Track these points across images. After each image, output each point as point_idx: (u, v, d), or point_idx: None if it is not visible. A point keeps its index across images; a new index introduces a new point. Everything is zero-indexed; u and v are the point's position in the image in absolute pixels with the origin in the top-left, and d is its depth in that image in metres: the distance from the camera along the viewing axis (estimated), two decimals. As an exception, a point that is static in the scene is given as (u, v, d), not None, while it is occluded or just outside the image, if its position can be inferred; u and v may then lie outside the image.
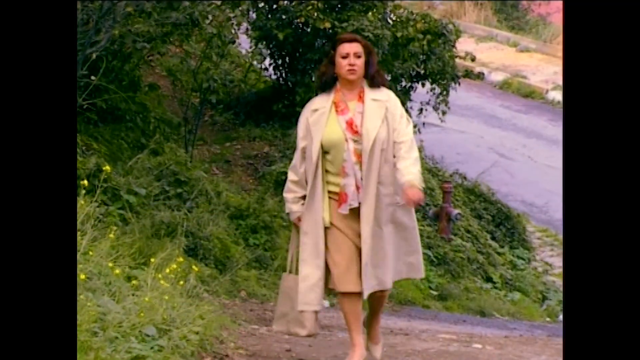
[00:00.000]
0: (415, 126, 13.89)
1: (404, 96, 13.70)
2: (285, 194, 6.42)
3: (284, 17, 13.02)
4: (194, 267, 7.48)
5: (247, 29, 13.18)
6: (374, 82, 6.27)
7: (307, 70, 13.13)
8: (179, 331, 5.99)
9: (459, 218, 13.25)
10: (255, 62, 13.31)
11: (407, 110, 13.86)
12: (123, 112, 11.27)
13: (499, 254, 14.04)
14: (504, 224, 14.90)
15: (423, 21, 13.52)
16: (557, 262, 14.78)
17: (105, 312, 5.59)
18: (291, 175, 6.36)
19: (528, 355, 7.74)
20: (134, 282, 6.46)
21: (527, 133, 19.59)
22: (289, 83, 13.56)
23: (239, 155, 12.95)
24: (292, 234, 6.54)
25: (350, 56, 6.20)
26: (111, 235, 6.76)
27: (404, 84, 13.87)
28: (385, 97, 6.25)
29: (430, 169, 14.29)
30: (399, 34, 13.16)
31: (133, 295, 6.14)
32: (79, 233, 6.14)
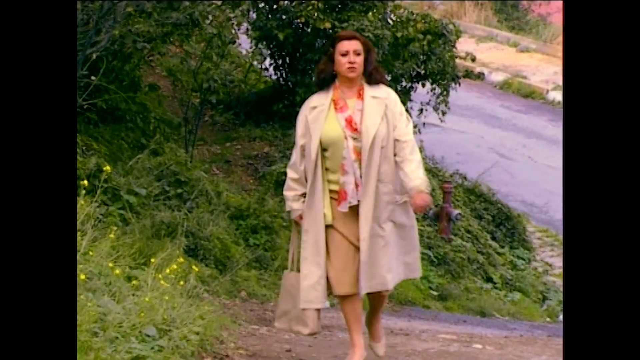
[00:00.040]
0: (415, 126, 13.89)
1: (404, 96, 13.70)
2: (285, 192, 6.40)
3: (284, 17, 13.02)
4: (194, 267, 7.48)
5: (247, 29, 13.18)
6: (372, 79, 6.25)
7: (307, 70, 13.14)
8: (179, 331, 5.99)
9: (459, 218, 13.25)
10: (255, 63, 13.31)
11: (407, 111, 13.90)
12: (123, 112, 11.27)
13: (499, 254, 14.04)
14: (504, 224, 14.90)
15: (423, 21, 13.52)
16: (557, 262, 14.78)
17: (105, 313, 5.58)
18: (291, 173, 6.34)
19: (528, 355, 7.74)
20: (134, 282, 6.46)
21: (527, 133, 19.59)
22: (289, 83, 13.56)
23: (239, 156, 12.95)
24: (292, 232, 6.53)
25: (349, 54, 6.18)
26: (111, 236, 6.76)
27: (404, 84, 13.87)
28: (384, 95, 6.24)
29: (430, 169, 14.29)
30: (399, 34, 13.16)
31: (133, 295, 6.14)
32: (79, 233, 6.14)
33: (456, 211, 13.16)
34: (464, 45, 17.62)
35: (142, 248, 7.96)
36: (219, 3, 11.32)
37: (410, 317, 10.32)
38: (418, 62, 13.64)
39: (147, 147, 10.70)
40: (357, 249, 6.18)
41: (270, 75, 14.09)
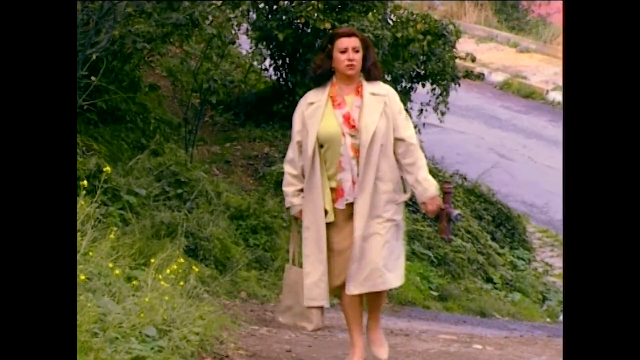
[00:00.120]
0: (415, 127, 13.89)
1: (404, 97, 13.71)
2: (285, 188, 6.36)
3: (284, 17, 13.02)
4: (194, 267, 7.48)
5: (247, 30, 13.18)
6: (371, 75, 6.23)
7: (307, 70, 13.13)
8: (179, 332, 5.99)
9: (459, 219, 13.25)
10: (255, 63, 13.30)
11: (407, 111, 13.91)
12: (123, 112, 11.26)
13: (499, 254, 14.04)
14: (504, 224, 14.90)
15: (423, 22, 13.53)
16: (557, 262, 14.79)
17: (105, 313, 5.58)
18: (290, 169, 6.31)
19: (528, 355, 7.74)
20: (134, 282, 6.45)
21: (527, 134, 19.59)
22: (289, 83, 13.56)
23: (239, 156, 12.95)
24: (292, 228, 6.51)
25: (349, 51, 6.15)
26: (111, 236, 6.76)
27: (404, 84, 13.88)
28: (383, 92, 6.21)
29: (430, 170, 14.24)
30: (399, 35, 13.16)
31: (133, 295, 6.14)
32: (79, 234, 6.14)
33: (456, 212, 13.15)
34: (464, 45, 17.63)
35: (142, 248, 7.95)
36: (219, 3, 11.32)
37: (410, 318, 10.32)
38: (418, 63, 13.65)
39: (147, 148, 10.70)
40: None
41: (270, 75, 14.09)
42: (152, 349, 5.62)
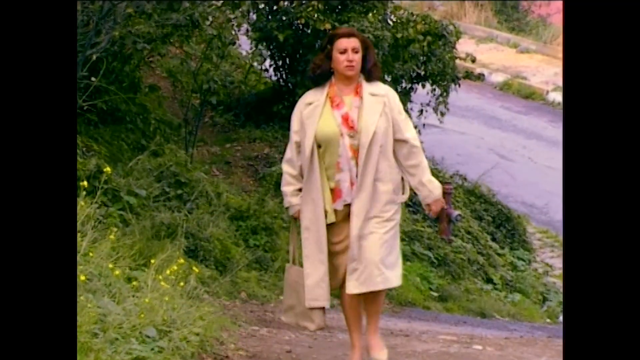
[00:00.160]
0: (415, 127, 13.89)
1: (404, 97, 13.71)
2: (283, 188, 6.34)
3: (284, 18, 13.03)
4: (194, 268, 7.47)
5: (247, 30, 13.19)
6: (371, 76, 6.21)
7: (307, 71, 13.13)
8: (179, 332, 5.99)
9: (459, 219, 13.25)
10: (255, 64, 13.31)
11: (406, 112, 13.92)
12: (123, 113, 11.26)
13: (499, 255, 14.05)
14: (505, 225, 14.90)
15: (423, 22, 13.53)
16: (558, 263, 14.79)
17: (105, 314, 5.58)
18: (288, 169, 6.29)
19: (528, 356, 7.74)
20: (134, 283, 6.45)
21: (528, 134, 19.59)
22: (289, 84, 13.57)
23: (239, 157, 12.95)
24: (291, 228, 6.49)
25: (348, 51, 6.13)
26: (111, 237, 6.75)
27: (404, 85, 13.88)
28: (383, 92, 6.19)
29: (430, 171, 14.27)
30: (399, 35, 13.17)
31: (133, 296, 6.14)
32: (79, 234, 6.14)
33: (456, 212, 13.16)
34: (464, 46, 17.63)
35: (142, 249, 7.95)
36: (219, 4, 11.32)
37: (410, 318, 10.31)
38: (418, 63, 13.65)
39: (147, 148, 10.70)
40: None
41: (270, 76, 14.10)
42: (152, 349, 5.62)
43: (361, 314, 6.38)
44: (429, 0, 26.97)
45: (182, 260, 7.33)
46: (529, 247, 15.09)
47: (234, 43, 11.92)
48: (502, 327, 10.83)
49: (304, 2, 12.73)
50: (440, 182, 6.45)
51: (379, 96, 6.15)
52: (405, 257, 11.97)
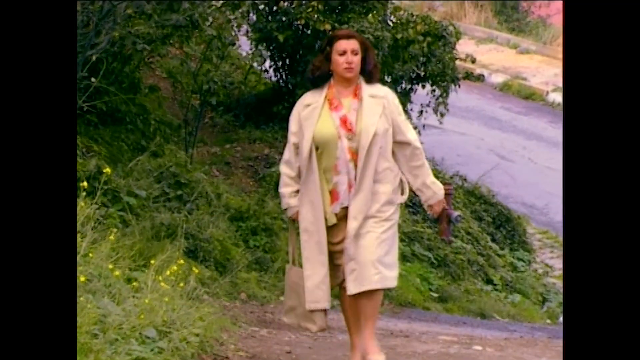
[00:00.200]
0: (415, 128, 13.91)
1: (404, 98, 13.71)
2: (281, 189, 6.32)
3: (284, 19, 13.03)
4: (194, 269, 7.47)
5: (247, 31, 13.19)
6: (371, 77, 6.19)
7: (306, 72, 13.12)
8: (179, 333, 5.99)
9: (459, 220, 13.25)
10: (255, 64, 13.30)
11: (406, 112, 13.92)
12: (123, 114, 11.26)
13: (499, 256, 14.04)
14: (504, 226, 14.90)
15: (423, 23, 13.53)
16: (558, 264, 14.79)
17: (105, 314, 5.58)
18: (287, 170, 6.26)
19: (528, 357, 7.74)
20: (134, 284, 6.45)
21: (528, 135, 19.60)
22: (289, 85, 13.56)
23: (239, 157, 12.95)
24: (290, 229, 6.47)
25: (347, 53, 6.11)
26: (111, 237, 6.75)
27: (404, 85, 13.88)
28: (382, 93, 6.17)
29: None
30: (399, 36, 13.16)
31: (133, 297, 6.13)
32: (79, 235, 6.13)
33: (456, 213, 13.16)
34: (464, 46, 17.62)
35: (142, 250, 7.95)
36: (219, 5, 11.31)
37: (410, 319, 10.31)
38: (418, 64, 13.65)
39: (147, 149, 10.70)
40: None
41: (270, 77, 14.10)
42: (152, 350, 5.62)
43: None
44: (429, 0, 26.97)
45: (182, 261, 7.32)
46: (529, 247, 15.09)
47: (234, 44, 11.92)
48: (502, 327, 10.83)
49: (304, 2, 12.73)
50: (441, 182, 6.45)
51: (379, 98, 6.14)
52: (405, 258, 11.97)
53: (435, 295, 11.72)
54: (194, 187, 10.12)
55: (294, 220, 6.32)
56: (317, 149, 6.10)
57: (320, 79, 6.21)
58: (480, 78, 17.06)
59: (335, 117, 6.10)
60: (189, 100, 12.09)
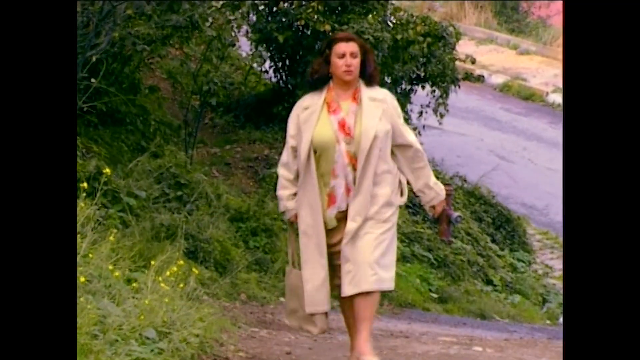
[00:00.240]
0: (415, 129, 13.93)
1: (404, 99, 13.72)
2: (279, 192, 6.30)
3: (284, 19, 13.03)
4: (194, 269, 7.47)
5: (247, 32, 13.19)
6: (370, 80, 6.17)
7: (306, 73, 13.13)
8: (179, 334, 5.98)
9: (459, 221, 13.25)
10: (255, 65, 13.31)
11: (406, 113, 13.93)
12: (123, 114, 11.26)
13: (499, 256, 14.04)
14: (504, 226, 14.90)
15: (423, 24, 13.53)
16: (558, 264, 14.79)
17: (105, 315, 5.58)
18: (285, 173, 6.25)
19: (528, 358, 7.74)
20: (134, 284, 6.45)
21: (528, 136, 19.60)
22: (289, 86, 13.56)
23: (239, 158, 12.95)
24: (289, 232, 6.46)
25: (346, 56, 6.10)
26: (111, 238, 6.75)
27: (403, 86, 13.88)
28: (381, 96, 6.16)
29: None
30: (399, 37, 13.16)
31: (133, 297, 6.13)
32: (79, 236, 6.13)
33: (456, 214, 13.15)
34: (463, 47, 17.62)
35: (142, 250, 7.95)
36: (219, 5, 11.32)
37: (410, 320, 10.31)
38: (418, 65, 13.65)
39: (147, 150, 10.70)
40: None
41: (270, 77, 14.10)
42: (152, 351, 5.62)
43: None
44: (429, 0, 26.98)
45: (181, 262, 7.32)
46: (529, 248, 15.09)
47: (234, 44, 11.93)
48: (502, 328, 10.83)
49: (303, 3, 12.73)
50: (441, 183, 6.47)
51: (378, 101, 6.12)
52: (405, 259, 11.98)
53: (435, 296, 11.72)
54: (194, 187, 10.12)
55: (293, 223, 6.30)
56: (315, 152, 6.09)
57: (319, 81, 6.19)
58: (480, 79, 17.03)
59: (334, 120, 6.08)
60: (189, 101, 12.09)
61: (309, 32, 12.94)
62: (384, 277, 6.08)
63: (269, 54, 13.48)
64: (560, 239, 15.28)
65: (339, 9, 12.81)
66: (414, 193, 6.42)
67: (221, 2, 11.44)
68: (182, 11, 10.12)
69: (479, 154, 18.08)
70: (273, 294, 9.54)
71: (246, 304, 9.20)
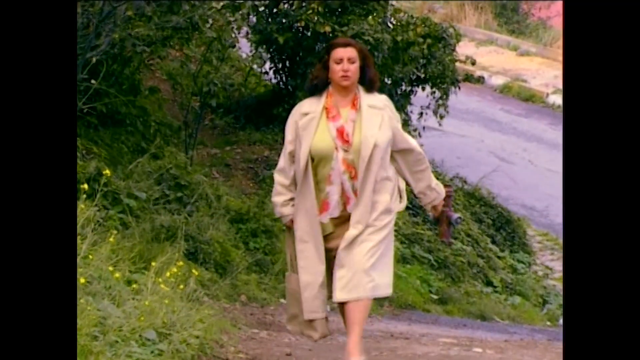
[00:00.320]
0: (415, 130, 13.94)
1: (404, 100, 13.73)
2: (274, 199, 6.27)
3: (284, 20, 13.03)
4: (194, 271, 7.48)
5: (247, 33, 13.19)
6: (370, 86, 6.13)
7: (307, 74, 13.12)
8: (179, 335, 5.99)
9: (459, 222, 13.26)
10: (255, 66, 13.32)
11: (407, 114, 13.94)
12: (123, 116, 11.27)
13: (499, 257, 14.05)
14: (505, 227, 14.90)
15: (423, 25, 13.53)
16: (558, 266, 14.80)
17: (105, 316, 5.58)
18: (280, 179, 6.22)
19: (529, 359, 7.73)
20: (134, 286, 6.45)
21: (528, 137, 19.61)
22: (289, 87, 13.57)
23: (239, 159, 12.95)
24: (287, 236, 6.45)
25: (344, 61, 6.04)
26: (111, 239, 6.75)
27: (404, 87, 13.89)
28: (381, 104, 6.10)
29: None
30: (399, 38, 13.17)
31: (133, 299, 6.14)
32: (79, 237, 6.14)
33: (456, 215, 13.16)
34: (464, 48, 17.64)
35: (142, 252, 7.95)
36: (219, 7, 11.32)
37: (411, 321, 10.31)
38: (418, 66, 13.66)
39: (147, 151, 10.70)
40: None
41: (270, 79, 14.10)
42: (152, 352, 5.62)
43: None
44: (430, 0, 26.99)
45: (181, 263, 7.33)
46: (529, 249, 15.09)
47: (234, 46, 11.93)
48: (502, 330, 10.83)
49: (304, 4, 12.73)
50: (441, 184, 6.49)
51: (378, 108, 6.07)
52: (405, 260, 11.98)
53: (435, 297, 11.73)
54: (194, 189, 10.12)
55: (290, 228, 6.27)
56: (312, 159, 6.05)
57: (318, 87, 6.15)
58: (480, 80, 17.05)
59: (332, 127, 6.04)
60: (189, 102, 12.10)
61: (309, 34, 12.94)
62: (380, 283, 6.05)
63: (269, 55, 13.49)
64: (560, 241, 15.29)
65: (339, 10, 12.81)
66: (414, 195, 6.42)
67: (221, 4, 11.45)
68: (182, 12, 10.12)
69: (479, 155, 18.09)
70: (273, 295, 9.54)
71: (246, 305, 9.20)
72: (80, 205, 6.51)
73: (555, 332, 10.62)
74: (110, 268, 6.32)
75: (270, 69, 13.80)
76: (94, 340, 5.25)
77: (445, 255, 12.64)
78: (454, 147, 17.85)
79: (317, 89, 6.15)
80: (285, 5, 13.03)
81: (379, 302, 9.95)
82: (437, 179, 6.48)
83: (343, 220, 6.07)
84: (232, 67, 13.64)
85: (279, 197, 6.24)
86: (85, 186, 6.50)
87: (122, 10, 8.80)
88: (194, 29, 10.76)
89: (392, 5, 13.82)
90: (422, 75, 13.85)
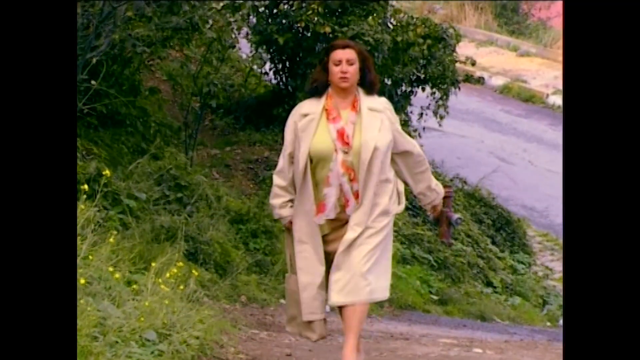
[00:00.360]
0: (415, 130, 13.95)
1: (404, 100, 13.73)
2: (272, 201, 6.25)
3: (284, 21, 13.03)
4: (194, 271, 7.48)
5: (247, 34, 13.19)
6: (370, 88, 6.10)
7: (307, 74, 13.13)
8: (179, 336, 5.99)
9: (459, 222, 13.25)
10: (255, 67, 13.32)
11: (407, 115, 13.95)
12: (123, 116, 11.27)
13: (499, 258, 14.05)
14: (505, 228, 14.91)
15: (423, 25, 13.54)
16: (558, 266, 14.80)
17: (105, 317, 5.58)
18: (278, 181, 6.19)
19: (528, 359, 7.74)
20: (134, 286, 6.46)
21: (528, 137, 19.61)
22: (289, 87, 13.57)
23: (239, 160, 12.95)
24: (286, 237, 6.44)
25: (342, 63, 6.01)
26: (111, 240, 6.76)
27: (404, 88, 13.90)
28: (381, 107, 6.07)
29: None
30: (399, 39, 13.17)
31: (133, 299, 6.14)
32: (79, 237, 6.14)
33: (456, 215, 13.16)
34: (464, 49, 17.64)
35: (142, 252, 7.96)
36: (219, 7, 11.32)
37: (411, 322, 10.32)
38: (418, 66, 13.66)
39: (147, 152, 10.71)
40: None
41: (270, 79, 14.10)
42: (152, 353, 5.62)
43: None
44: (430, 0, 26.99)
45: (181, 264, 7.33)
46: (529, 250, 15.09)
47: (234, 46, 11.93)
48: (502, 330, 10.83)
49: (304, 5, 12.73)
50: (441, 185, 6.49)
51: (378, 111, 6.04)
52: (406, 261, 11.98)
53: (435, 297, 11.73)
54: (194, 189, 10.13)
55: (289, 229, 6.26)
56: (311, 161, 6.03)
57: (317, 90, 6.13)
58: (480, 80, 17.04)
59: (332, 129, 6.01)
60: (189, 102, 12.10)
61: (309, 34, 12.94)
62: (377, 287, 6.02)
63: (269, 56, 13.49)
64: (560, 241, 15.29)
65: (339, 10, 12.81)
66: (414, 195, 6.41)
67: (221, 4, 11.46)
68: (182, 13, 10.13)
69: (479, 155, 18.09)
70: (273, 296, 9.54)
71: (246, 305, 9.20)
72: (80, 206, 6.51)
73: (555, 333, 10.62)
74: (110, 269, 6.32)
75: (270, 69, 13.80)
76: (94, 341, 5.25)
77: (445, 255, 12.64)
78: (454, 148, 17.85)
79: (317, 91, 6.14)
80: (285, 6, 13.03)
81: (378, 303, 9.94)
82: (437, 179, 6.47)
83: (340, 223, 6.05)
84: (232, 68, 13.65)
85: (277, 199, 6.23)
86: (85, 187, 6.50)
87: (122, 10, 8.80)
88: (194, 29, 10.77)
89: (392, 5, 13.82)
90: (422, 76, 13.86)
